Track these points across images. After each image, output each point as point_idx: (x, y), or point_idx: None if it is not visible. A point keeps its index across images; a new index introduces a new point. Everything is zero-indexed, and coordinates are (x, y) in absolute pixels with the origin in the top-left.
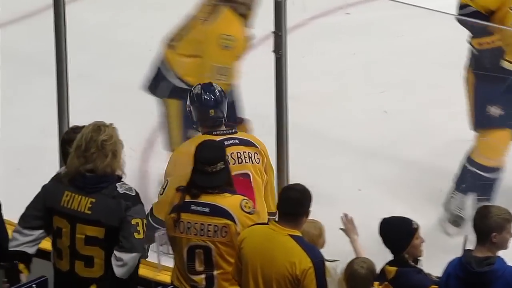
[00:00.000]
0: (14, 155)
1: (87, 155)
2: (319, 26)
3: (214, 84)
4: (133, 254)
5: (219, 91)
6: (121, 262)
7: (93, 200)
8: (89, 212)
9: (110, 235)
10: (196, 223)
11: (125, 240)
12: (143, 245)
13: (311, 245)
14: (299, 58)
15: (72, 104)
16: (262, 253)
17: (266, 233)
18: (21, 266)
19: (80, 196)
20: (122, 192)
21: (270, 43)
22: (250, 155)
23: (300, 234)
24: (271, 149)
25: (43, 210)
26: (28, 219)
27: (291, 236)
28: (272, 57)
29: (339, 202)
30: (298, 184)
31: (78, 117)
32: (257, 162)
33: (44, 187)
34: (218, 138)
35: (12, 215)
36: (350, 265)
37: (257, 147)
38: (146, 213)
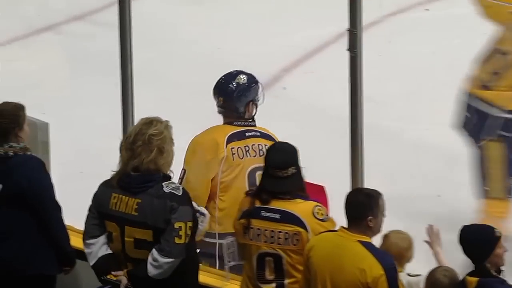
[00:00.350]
0: (77, 158)
1: (133, 147)
2: (397, 23)
3: (241, 76)
4: (169, 260)
5: (240, 84)
6: (156, 263)
7: (139, 200)
8: (136, 213)
9: (158, 237)
10: (266, 230)
11: (166, 243)
12: (183, 250)
13: (383, 252)
14: (375, 57)
15: (137, 104)
16: (331, 261)
17: (334, 240)
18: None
19: (127, 198)
20: (168, 191)
21: (344, 41)
22: None
23: (370, 240)
24: (345, 152)
25: (99, 217)
26: (88, 230)
27: (361, 242)
28: (346, 56)
29: (417, 210)
30: (366, 188)
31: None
32: None
33: (94, 194)
34: (239, 129)
35: (73, 221)
36: (432, 273)
37: (273, 139)
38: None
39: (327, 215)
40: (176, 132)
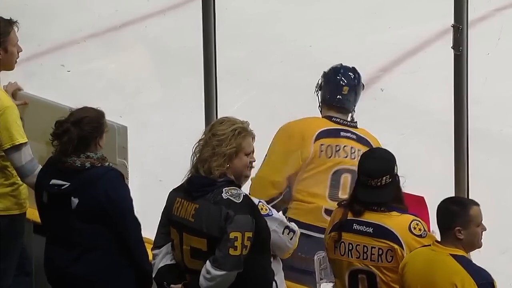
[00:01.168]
0: (157, 165)
1: (203, 151)
2: (507, 18)
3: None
4: (222, 272)
5: (359, 75)
6: (209, 276)
7: (197, 206)
8: (193, 219)
9: (214, 247)
10: (358, 245)
11: (220, 254)
12: (239, 263)
13: (477, 266)
14: (483, 56)
15: (223, 105)
16: (423, 277)
17: (427, 256)
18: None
19: (187, 202)
20: (225, 197)
21: (449, 38)
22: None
23: (463, 254)
24: (450, 159)
25: (167, 224)
26: (155, 240)
27: (453, 256)
28: (451, 54)
29: None
30: (459, 197)
31: None
32: None
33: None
34: (335, 126)
35: (152, 234)
36: None
37: (370, 145)
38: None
39: (425, 231)
40: (264, 133)
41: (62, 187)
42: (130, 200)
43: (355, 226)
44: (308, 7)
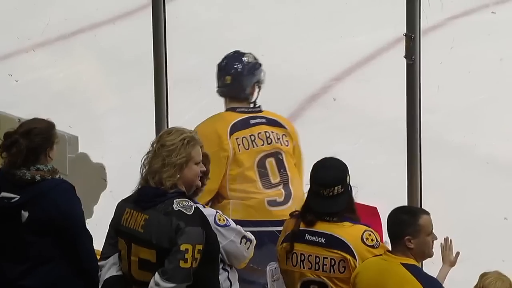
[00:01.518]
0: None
1: (153, 163)
2: (460, 27)
3: (247, 54)
4: (171, 285)
5: (245, 62)
6: None
7: (147, 216)
8: (142, 230)
9: (163, 259)
10: (310, 255)
11: (169, 266)
12: (188, 276)
13: (428, 275)
14: (435, 64)
15: (176, 114)
16: (375, 287)
17: (379, 265)
18: None
19: (137, 213)
20: (176, 209)
21: (401, 47)
22: (278, 136)
23: (415, 263)
24: (403, 168)
25: (115, 235)
26: (102, 251)
27: (404, 265)
28: (403, 63)
29: (482, 233)
30: (409, 206)
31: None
32: (286, 144)
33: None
34: (242, 116)
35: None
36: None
37: (286, 128)
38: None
39: (378, 241)
40: None
41: (12, 200)
42: (81, 213)
43: (307, 237)
44: (260, 14)
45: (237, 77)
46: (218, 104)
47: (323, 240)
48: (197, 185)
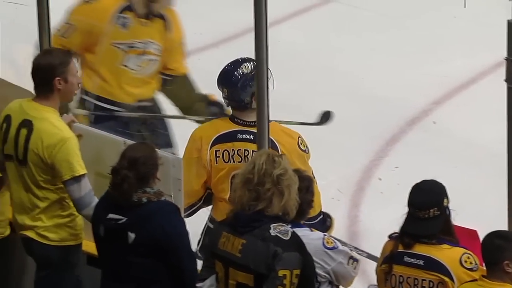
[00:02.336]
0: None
1: (260, 190)
2: None
3: (244, 64)
4: None
5: (244, 73)
6: None
7: (244, 241)
8: (239, 255)
9: (261, 284)
10: (409, 277)
11: None
12: None
13: None
14: None
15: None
16: None
17: None
18: None
19: (234, 237)
20: (273, 234)
21: (502, 71)
22: None
23: None
24: (504, 192)
25: (211, 257)
26: (200, 273)
27: None
28: (503, 87)
29: None
30: (505, 230)
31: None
32: None
33: (207, 231)
34: (234, 128)
35: None
36: None
37: (275, 146)
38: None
39: (477, 264)
40: (315, 164)
41: (119, 222)
42: (185, 234)
43: (406, 259)
44: (360, 39)
45: (233, 89)
46: (316, 129)
47: (421, 262)
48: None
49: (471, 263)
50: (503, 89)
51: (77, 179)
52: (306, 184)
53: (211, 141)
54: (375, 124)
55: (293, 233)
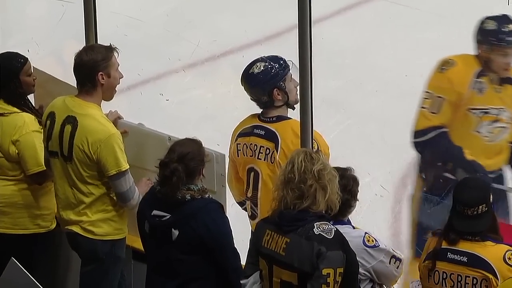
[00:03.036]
0: None
1: (303, 188)
2: None
3: (257, 64)
4: None
5: (258, 72)
6: None
7: (288, 240)
8: (283, 253)
9: (305, 282)
10: (452, 274)
11: None
12: None
13: None
14: None
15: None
16: None
17: None
18: None
19: (278, 235)
20: (317, 233)
21: None
22: (267, 152)
23: None
24: None
25: (255, 255)
26: (244, 270)
27: None
28: None
29: None
30: None
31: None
32: (271, 161)
33: (255, 227)
34: (256, 123)
35: None
36: None
37: (277, 140)
38: None
39: None
40: (359, 163)
41: (163, 219)
42: (229, 232)
43: (450, 255)
44: (402, 37)
45: (251, 90)
46: (360, 126)
47: (465, 259)
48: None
49: None
50: None
51: (123, 174)
52: (345, 183)
53: (237, 135)
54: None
55: (336, 231)
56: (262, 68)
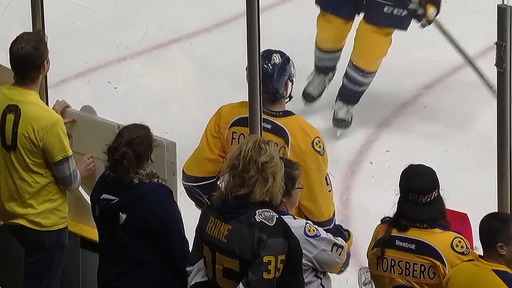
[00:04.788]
0: None
1: (244, 176)
2: None
3: (274, 55)
4: None
5: (275, 64)
6: None
7: (230, 227)
8: (225, 240)
9: (246, 269)
10: (400, 261)
11: (253, 277)
12: (271, 285)
13: None
14: None
15: None
16: None
17: (470, 270)
18: None
19: (220, 222)
20: (258, 220)
21: (492, 56)
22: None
23: (506, 269)
24: (494, 176)
25: (200, 242)
26: (190, 257)
27: (495, 271)
28: (495, 71)
29: None
30: (501, 213)
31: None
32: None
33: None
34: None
35: None
36: None
37: (287, 137)
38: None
39: (468, 248)
40: None
41: (111, 202)
42: (177, 217)
43: (398, 243)
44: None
45: (268, 81)
46: (309, 111)
47: (413, 247)
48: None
49: (462, 247)
50: (494, 73)
51: (67, 159)
52: (287, 171)
53: (231, 121)
54: (366, 108)
55: (278, 219)
56: (280, 58)
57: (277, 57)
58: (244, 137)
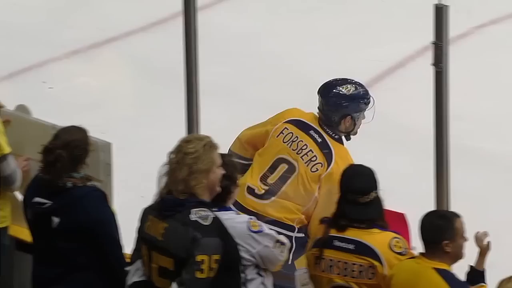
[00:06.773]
0: (139, 181)
1: (178, 175)
2: (487, 35)
3: (345, 86)
4: None
5: (339, 93)
6: None
7: (166, 225)
8: (161, 239)
9: (181, 268)
10: (339, 261)
11: (186, 276)
12: (205, 285)
13: (459, 281)
14: (463, 72)
15: (206, 122)
16: None
17: (412, 268)
18: None
19: (158, 221)
20: (193, 219)
21: (429, 55)
22: (314, 159)
23: (447, 267)
24: (431, 175)
25: (139, 241)
26: (131, 256)
27: (436, 269)
28: (431, 71)
29: (508, 240)
30: (442, 210)
31: (214, 137)
32: (312, 169)
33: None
34: (312, 124)
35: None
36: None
37: (330, 159)
38: None
39: (406, 248)
40: None
41: (44, 206)
42: (111, 221)
43: (336, 243)
44: (290, 24)
45: (327, 103)
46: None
47: (352, 247)
48: (218, 190)
49: (400, 247)
50: (431, 73)
51: (6, 157)
52: (224, 169)
53: (289, 119)
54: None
55: (215, 218)
56: (351, 91)
57: (348, 88)
58: (292, 136)
